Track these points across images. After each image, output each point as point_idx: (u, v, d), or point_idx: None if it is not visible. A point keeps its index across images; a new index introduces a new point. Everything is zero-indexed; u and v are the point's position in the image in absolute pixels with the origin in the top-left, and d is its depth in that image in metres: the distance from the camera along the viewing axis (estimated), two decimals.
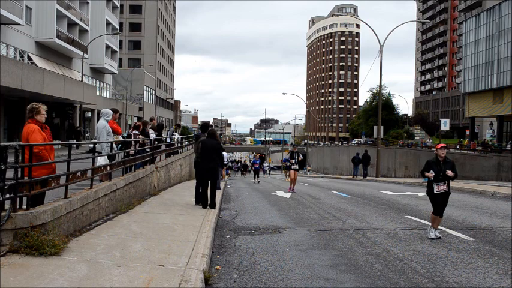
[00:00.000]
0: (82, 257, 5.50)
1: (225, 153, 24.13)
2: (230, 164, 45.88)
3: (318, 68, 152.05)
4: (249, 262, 6.27)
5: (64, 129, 38.66)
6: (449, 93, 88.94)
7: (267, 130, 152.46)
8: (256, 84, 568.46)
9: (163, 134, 17.40)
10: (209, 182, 10.52)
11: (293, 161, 17.95)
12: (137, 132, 13.31)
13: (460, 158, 36.03)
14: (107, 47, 50.95)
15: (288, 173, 32.78)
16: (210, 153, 10.40)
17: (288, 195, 16.49)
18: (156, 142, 14.34)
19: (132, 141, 12.03)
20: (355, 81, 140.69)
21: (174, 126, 23.76)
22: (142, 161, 12.24)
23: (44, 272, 4.81)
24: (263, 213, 11.36)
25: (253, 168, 32.87)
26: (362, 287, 5.20)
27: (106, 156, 9.66)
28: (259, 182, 28.07)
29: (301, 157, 18.21)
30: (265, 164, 41.56)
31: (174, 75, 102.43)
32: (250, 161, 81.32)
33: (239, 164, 66.78)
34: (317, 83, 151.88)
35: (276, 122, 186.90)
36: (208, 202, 10.60)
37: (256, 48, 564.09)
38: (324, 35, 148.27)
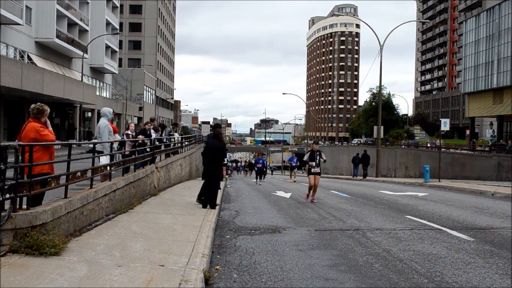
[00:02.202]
0: (82, 257, 5.50)
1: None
2: (229, 164, 45.55)
3: (318, 68, 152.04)
4: (249, 262, 6.27)
5: (64, 129, 38.68)
6: (449, 93, 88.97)
7: (267, 130, 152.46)
8: (256, 84, 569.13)
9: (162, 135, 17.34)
10: (211, 182, 10.58)
11: (313, 163, 13.79)
12: (129, 132, 13.27)
13: (460, 158, 36.04)
14: (107, 47, 50.97)
15: (292, 174, 30.71)
16: (213, 154, 10.46)
17: (287, 195, 16.47)
18: (157, 142, 14.34)
19: (127, 142, 12.01)
20: (355, 81, 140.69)
21: (171, 126, 23.66)
22: (143, 161, 12.25)
23: (44, 272, 4.80)
24: (263, 213, 11.35)
25: (255, 168, 28.53)
26: (362, 287, 5.20)
27: (108, 156, 9.68)
28: (260, 184, 25.00)
29: (323, 157, 14.07)
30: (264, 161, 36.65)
31: (174, 75, 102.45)
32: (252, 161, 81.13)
33: (240, 163, 66.56)
34: (317, 83, 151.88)
35: (276, 122, 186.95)
36: (208, 202, 10.66)
37: (256, 48, 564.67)
38: (324, 35, 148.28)
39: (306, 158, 14.10)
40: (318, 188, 14.46)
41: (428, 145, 46.48)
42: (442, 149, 31.18)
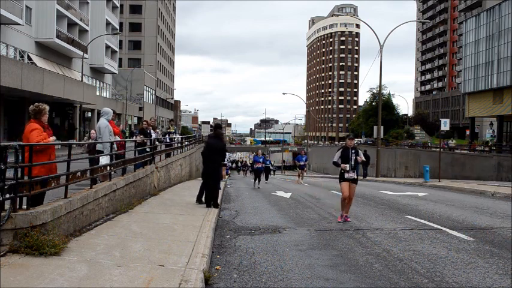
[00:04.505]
0: (82, 257, 5.50)
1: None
2: (229, 164, 45.46)
3: (318, 68, 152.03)
4: (249, 262, 6.27)
5: (64, 129, 38.68)
6: (449, 93, 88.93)
7: (267, 130, 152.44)
8: (256, 84, 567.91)
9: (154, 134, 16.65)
10: (211, 181, 10.78)
11: (347, 166, 9.71)
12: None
13: (460, 158, 36.06)
14: (107, 47, 50.96)
15: (299, 176, 26.08)
16: (213, 154, 10.67)
17: (287, 195, 16.47)
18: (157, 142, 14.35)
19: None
20: (355, 81, 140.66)
21: (169, 123, 23.47)
22: (143, 161, 12.26)
23: (44, 272, 4.80)
24: (263, 213, 11.36)
25: (254, 168, 23.66)
26: (362, 287, 5.20)
27: (108, 156, 9.69)
28: (259, 187, 21.44)
29: (362, 157, 9.97)
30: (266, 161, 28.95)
31: (174, 75, 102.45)
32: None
33: (240, 164, 66.52)
34: (317, 83, 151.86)
35: (276, 122, 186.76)
36: (210, 201, 10.80)
37: (256, 48, 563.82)
38: (324, 35, 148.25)
39: (336, 158, 9.95)
40: (316, 187, 14.32)
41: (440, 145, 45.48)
42: (442, 149, 31.16)
